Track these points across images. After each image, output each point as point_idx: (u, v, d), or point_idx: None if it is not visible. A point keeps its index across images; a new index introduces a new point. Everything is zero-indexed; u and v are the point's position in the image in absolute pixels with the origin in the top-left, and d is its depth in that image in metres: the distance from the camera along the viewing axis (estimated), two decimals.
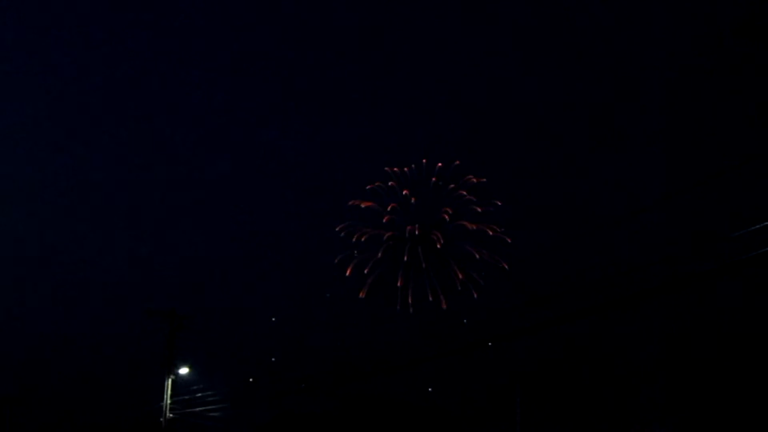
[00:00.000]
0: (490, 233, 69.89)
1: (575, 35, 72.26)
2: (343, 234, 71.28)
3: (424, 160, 71.33)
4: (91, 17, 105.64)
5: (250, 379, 64.24)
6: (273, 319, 79.96)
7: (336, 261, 71.13)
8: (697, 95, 54.66)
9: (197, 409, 38.88)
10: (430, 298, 70.60)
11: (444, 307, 70.48)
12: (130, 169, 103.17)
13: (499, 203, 70.18)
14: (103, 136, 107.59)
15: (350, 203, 71.68)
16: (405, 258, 70.76)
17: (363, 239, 71.11)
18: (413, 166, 71.56)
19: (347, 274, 70.31)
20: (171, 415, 36.69)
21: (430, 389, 62.93)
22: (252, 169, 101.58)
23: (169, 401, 36.46)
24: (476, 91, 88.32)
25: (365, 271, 70.52)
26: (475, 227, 69.99)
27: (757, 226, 14.94)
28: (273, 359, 74.14)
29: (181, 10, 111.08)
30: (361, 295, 71.06)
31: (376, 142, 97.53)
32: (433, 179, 70.92)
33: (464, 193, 70.44)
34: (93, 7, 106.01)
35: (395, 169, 71.45)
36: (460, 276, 70.29)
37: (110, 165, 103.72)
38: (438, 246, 70.29)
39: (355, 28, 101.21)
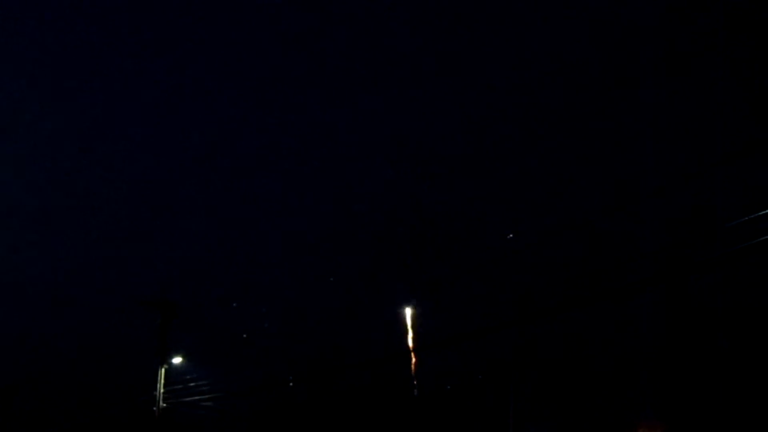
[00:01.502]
0: (487, 232, 69.94)
1: (573, 33, 72.31)
2: (337, 233, 71.30)
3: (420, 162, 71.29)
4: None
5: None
6: (266, 325, 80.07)
7: (330, 258, 71.19)
8: (694, 91, 54.76)
9: (191, 398, 39.01)
10: (424, 297, 70.54)
11: (436, 304, 70.52)
12: (129, 162, 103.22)
13: (496, 203, 70.23)
14: (102, 131, 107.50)
15: (345, 203, 71.71)
16: (399, 257, 70.82)
17: (356, 237, 71.16)
18: (410, 165, 71.54)
19: (339, 272, 70.41)
20: (164, 405, 36.82)
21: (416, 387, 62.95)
22: (248, 167, 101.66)
23: (162, 391, 36.58)
24: (475, 91, 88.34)
25: (357, 270, 70.57)
26: (470, 226, 70.04)
27: (752, 216, 14.97)
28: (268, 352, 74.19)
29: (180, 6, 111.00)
30: (353, 291, 71.12)
31: (373, 141, 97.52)
32: (429, 179, 70.94)
33: (460, 192, 70.47)
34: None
35: (391, 169, 71.44)
36: (455, 274, 70.34)
37: (108, 159, 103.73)
38: (433, 245, 70.34)
39: (353, 27, 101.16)
